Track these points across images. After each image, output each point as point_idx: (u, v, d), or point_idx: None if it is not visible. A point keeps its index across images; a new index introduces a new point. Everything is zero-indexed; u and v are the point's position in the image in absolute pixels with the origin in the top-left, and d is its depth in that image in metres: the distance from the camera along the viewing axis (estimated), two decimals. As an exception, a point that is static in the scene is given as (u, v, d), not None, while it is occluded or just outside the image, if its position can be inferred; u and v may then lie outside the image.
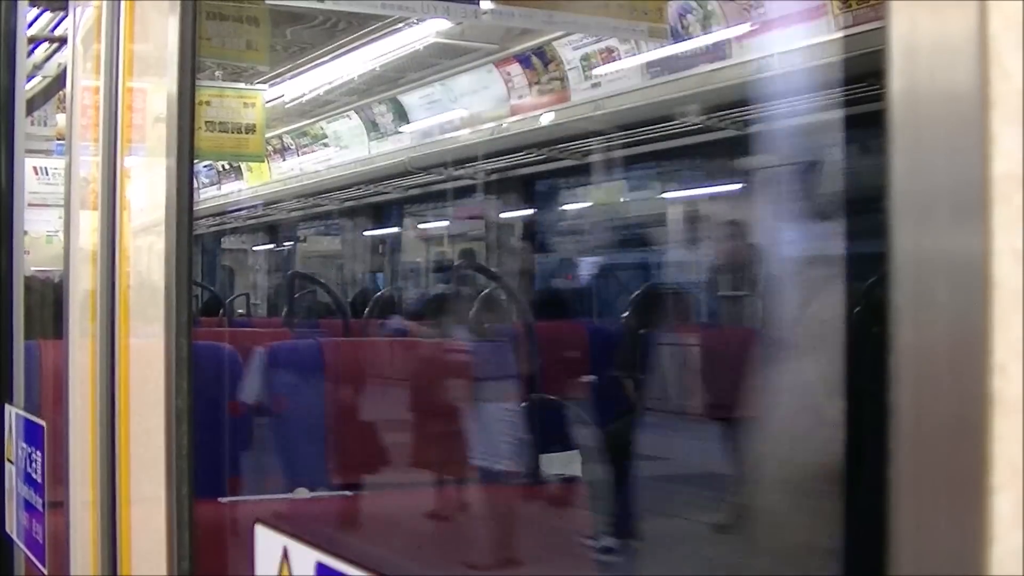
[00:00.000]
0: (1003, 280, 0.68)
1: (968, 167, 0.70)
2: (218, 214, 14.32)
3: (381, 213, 13.86)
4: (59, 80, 4.66)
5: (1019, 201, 0.67)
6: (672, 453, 6.70)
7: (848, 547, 2.08)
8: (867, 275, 2.59)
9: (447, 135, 10.92)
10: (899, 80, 0.74)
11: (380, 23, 8.38)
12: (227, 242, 15.81)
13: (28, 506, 3.19)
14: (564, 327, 6.12)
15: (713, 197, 9.03)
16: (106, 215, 2.35)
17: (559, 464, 4.33)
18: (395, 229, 14.02)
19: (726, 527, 4.44)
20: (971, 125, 0.69)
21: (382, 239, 14.12)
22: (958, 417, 0.70)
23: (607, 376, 5.39)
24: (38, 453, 3.06)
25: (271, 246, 15.10)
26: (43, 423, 3.04)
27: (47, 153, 6.66)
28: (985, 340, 0.68)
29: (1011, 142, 0.68)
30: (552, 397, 4.36)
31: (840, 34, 6.26)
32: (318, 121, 12.22)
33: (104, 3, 2.41)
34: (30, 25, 4.19)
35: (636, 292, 7.02)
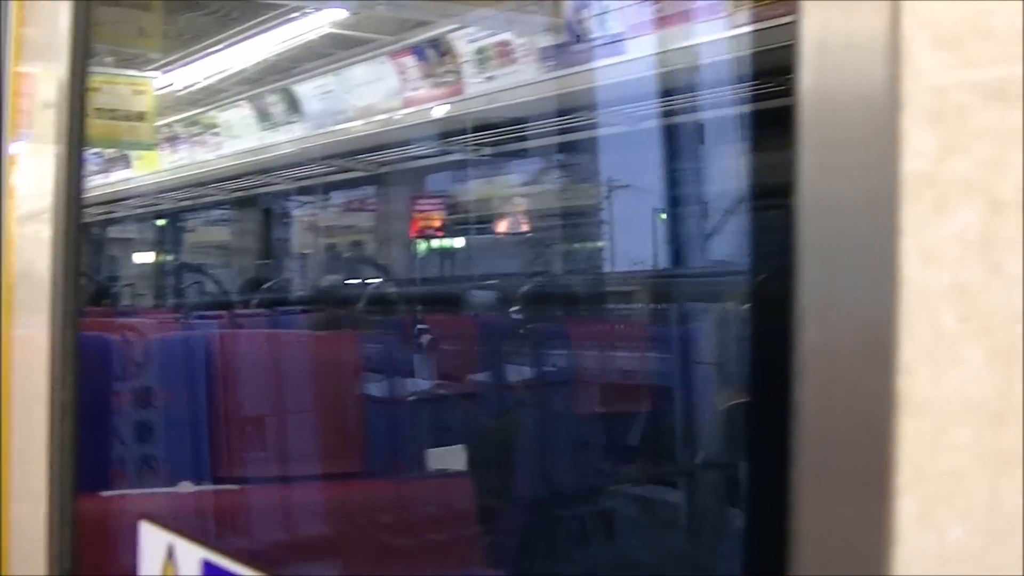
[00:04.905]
0: (911, 280, 0.69)
1: (878, 166, 0.70)
2: (106, 203, 14.00)
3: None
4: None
5: (929, 200, 0.68)
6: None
7: (749, 547, 2.10)
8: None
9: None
10: (809, 78, 0.75)
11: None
12: (114, 231, 15.51)
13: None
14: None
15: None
16: (-10, 202, 2.28)
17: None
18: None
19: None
20: (882, 123, 0.70)
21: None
22: (863, 418, 0.71)
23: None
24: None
25: (158, 235, 14.85)
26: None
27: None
28: (892, 340, 0.69)
29: (922, 141, 0.69)
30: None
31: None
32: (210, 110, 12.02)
33: (-8, -16, 2.35)
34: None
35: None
